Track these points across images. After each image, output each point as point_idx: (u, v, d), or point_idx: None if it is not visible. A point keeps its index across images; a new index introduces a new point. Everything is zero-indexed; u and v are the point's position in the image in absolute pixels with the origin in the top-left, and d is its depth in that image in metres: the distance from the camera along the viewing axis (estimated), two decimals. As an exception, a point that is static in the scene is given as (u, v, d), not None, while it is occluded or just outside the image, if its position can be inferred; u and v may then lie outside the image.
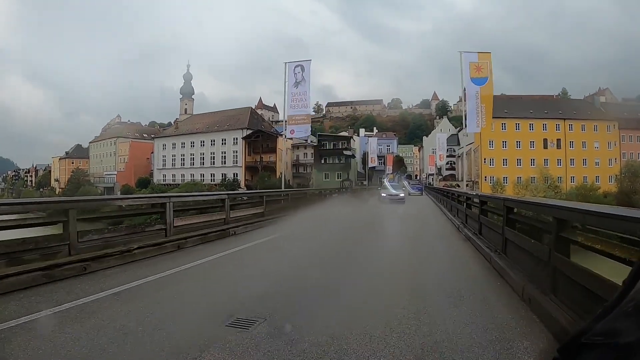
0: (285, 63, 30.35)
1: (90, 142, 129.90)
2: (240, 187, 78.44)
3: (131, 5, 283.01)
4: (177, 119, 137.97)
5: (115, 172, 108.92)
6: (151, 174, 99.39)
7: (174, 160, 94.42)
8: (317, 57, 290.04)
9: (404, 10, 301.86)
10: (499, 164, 71.78)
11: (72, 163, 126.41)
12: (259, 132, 80.00)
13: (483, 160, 71.31)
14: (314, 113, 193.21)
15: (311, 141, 79.30)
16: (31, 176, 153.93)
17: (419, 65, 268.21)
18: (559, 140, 73.69)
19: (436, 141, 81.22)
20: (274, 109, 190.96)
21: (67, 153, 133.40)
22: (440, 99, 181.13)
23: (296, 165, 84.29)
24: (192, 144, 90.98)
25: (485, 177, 71.16)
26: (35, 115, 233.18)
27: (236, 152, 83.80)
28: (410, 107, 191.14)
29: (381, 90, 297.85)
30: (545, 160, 72.27)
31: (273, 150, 79.48)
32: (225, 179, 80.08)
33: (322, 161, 77.33)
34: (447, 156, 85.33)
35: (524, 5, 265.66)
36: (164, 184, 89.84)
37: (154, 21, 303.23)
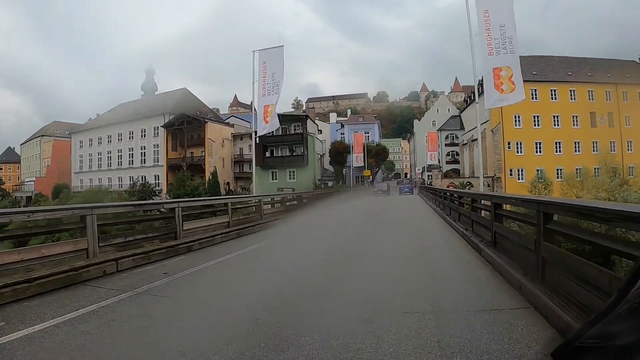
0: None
1: (21, 144, 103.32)
2: (157, 196, 52.07)
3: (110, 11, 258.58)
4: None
5: (34, 179, 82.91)
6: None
7: (91, 160, 68.18)
8: (301, 58, 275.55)
9: (386, 8, 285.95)
10: (530, 150, 45.50)
11: (1, 169, 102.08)
12: (184, 118, 53.14)
13: (507, 145, 44.87)
14: (292, 109, 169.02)
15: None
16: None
17: (406, 61, 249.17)
18: (610, 114, 47.71)
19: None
20: (251, 107, 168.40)
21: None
22: (430, 90, 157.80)
23: (239, 162, 57.59)
24: (109, 139, 64.50)
25: (511, 170, 44.80)
26: (11, 119, 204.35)
27: (157, 146, 57.36)
28: (398, 100, 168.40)
29: (367, 87, 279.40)
30: (594, 144, 46.55)
31: (203, 142, 53.09)
32: (137, 182, 53.27)
33: (267, 154, 50.31)
34: (447, 145, 58.80)
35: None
36: (80, 193, 63.67)
37: (136, 25, 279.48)
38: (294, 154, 49.12)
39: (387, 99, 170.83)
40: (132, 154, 60.71)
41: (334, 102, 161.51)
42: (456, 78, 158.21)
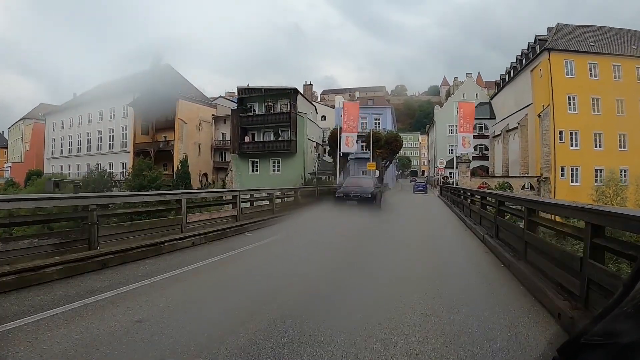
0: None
1: (8, 128, 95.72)
2: (116, 187, 42.62)
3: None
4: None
5: (10, 165, 75.20)
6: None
7: (62, 145, 59.55)
8: (318, 51, 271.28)
9: (404, 5, 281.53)
10: (588, 143, 34.58)
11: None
12: (155, 94, 43.28)
13: (559, 136, 33.97)
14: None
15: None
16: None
17: (425, 57, 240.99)
18: (687, 101, 36.57)
19: None
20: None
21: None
22: (452, 84, 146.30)
23: (221, 149, 47.88)
24: (80, 121, 55.56)
25: (562, 168, 33.95)
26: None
27: (126, 128, 48.01)
28: (417, 94, 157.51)
29: (385, 82, 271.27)
30: (666, 139, 35.52)
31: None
32: (93, 170, 43.75)
33: (247, 138, 39.87)
34: (476, 136, 48.04)
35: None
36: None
37: (152, 16, 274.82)
38: (279, 139, 38.53)
39: (406, 92, 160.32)
40: (101, 137, 51.55)
41: (349, 95, 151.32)
42: (479, 73, 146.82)
